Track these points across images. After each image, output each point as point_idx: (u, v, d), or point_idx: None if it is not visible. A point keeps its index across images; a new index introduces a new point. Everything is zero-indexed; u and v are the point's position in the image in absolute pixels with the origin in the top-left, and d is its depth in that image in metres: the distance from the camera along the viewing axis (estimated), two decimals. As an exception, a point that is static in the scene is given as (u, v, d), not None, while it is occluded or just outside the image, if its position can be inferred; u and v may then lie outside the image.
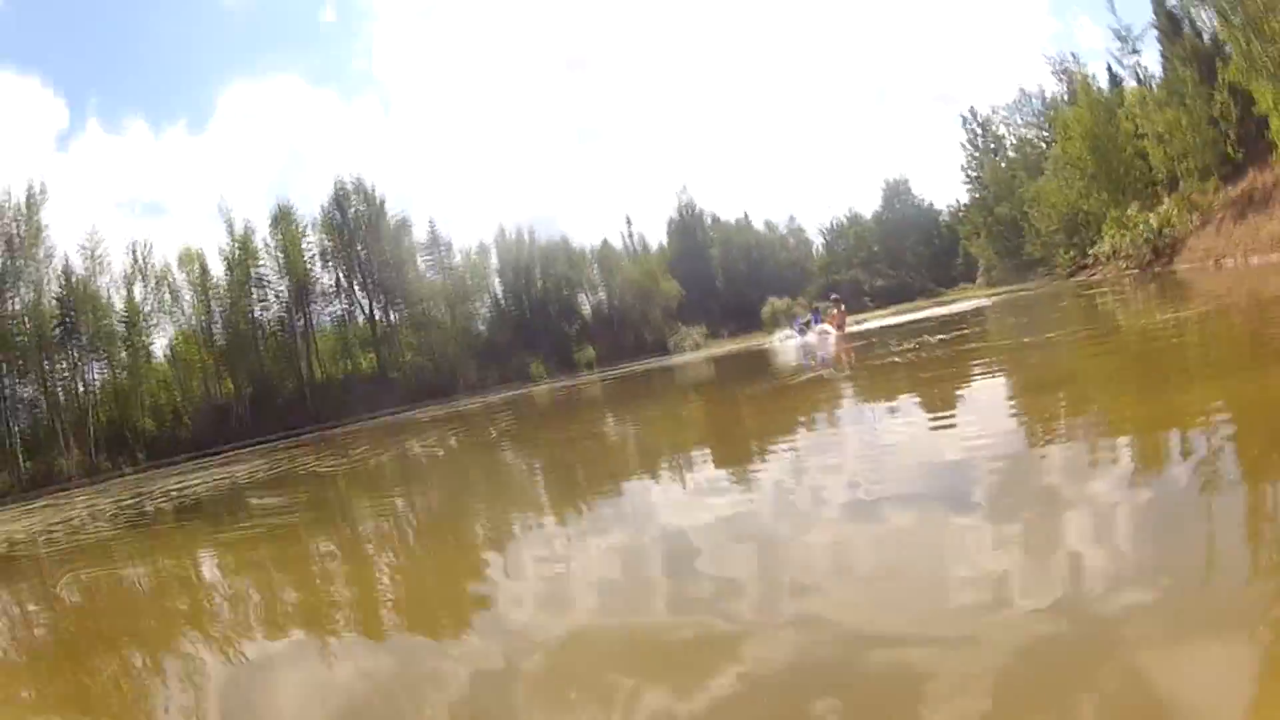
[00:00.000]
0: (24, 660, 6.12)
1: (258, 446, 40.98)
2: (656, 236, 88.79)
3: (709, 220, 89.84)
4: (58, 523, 17.90)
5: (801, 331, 33.34)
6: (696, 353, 55.26)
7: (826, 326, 31.46)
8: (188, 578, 8.51)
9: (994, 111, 71.40)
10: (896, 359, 15.16)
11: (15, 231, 53.75)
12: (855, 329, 32.57)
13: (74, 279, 56.11)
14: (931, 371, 11.69)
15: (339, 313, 71.82)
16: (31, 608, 8.44)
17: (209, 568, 8.85)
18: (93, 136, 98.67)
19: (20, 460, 49.45)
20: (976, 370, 11.01)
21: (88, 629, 6.83)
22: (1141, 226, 36.36)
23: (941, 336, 18.05)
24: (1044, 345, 12.57)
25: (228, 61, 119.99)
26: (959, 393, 9.15)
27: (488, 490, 9.82)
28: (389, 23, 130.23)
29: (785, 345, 32.34)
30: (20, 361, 53.24)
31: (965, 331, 18.96)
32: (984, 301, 36.91)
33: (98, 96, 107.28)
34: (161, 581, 8.51)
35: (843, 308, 33.43)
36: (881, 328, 30.09)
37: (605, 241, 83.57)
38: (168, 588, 8.08)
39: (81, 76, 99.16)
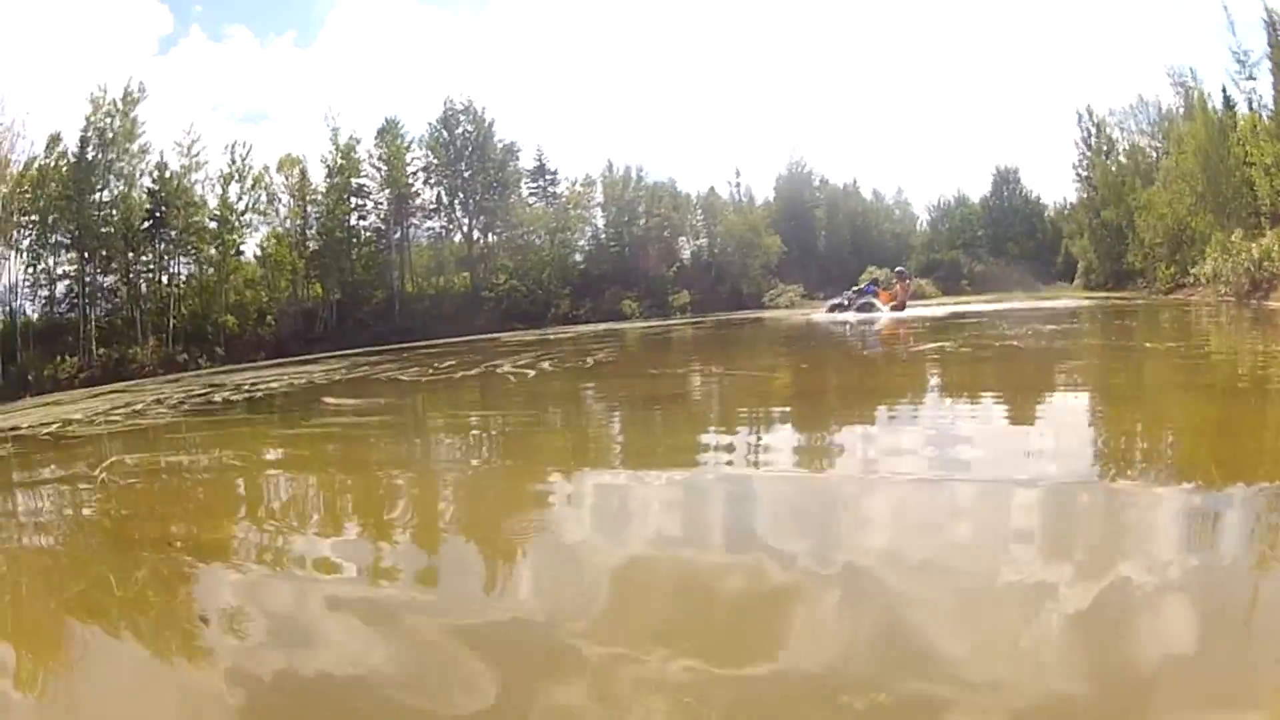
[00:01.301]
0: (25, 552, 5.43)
1: (341, 353, 40.23)
2: (763, 191, 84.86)
3: (817, 181, 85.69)
4: (120, 407, 17.03)
5: (851, 304, 29.02)
6: (790, 310, 52.93)
7: (876, 302, 28.15)
8: (237, 471, 7.28)
9: (1110, 114, 67.78)
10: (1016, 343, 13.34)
11: (109, 125, 53.45)
12: (956, 308, 30.32)
13: (167, 174, 55.64)
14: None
15: (436, 230, 70.74)
16: (58, 493, 7.56)
17: (263, 462, 7.61)
18: (195, 42, 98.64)
19: (94, 347, 49.67)
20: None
21: (110, 520, 6.00)
22: (1243, 255, 33.63)
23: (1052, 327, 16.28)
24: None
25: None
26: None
27: (572, 416, 8.47)
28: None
29: (831, 316, 28.58)
30: (103, 251, 52.92)
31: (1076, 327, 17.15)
32: (1082, 302, 34.03)
33: (202, 4, 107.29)
34: (207, 474, 7.43)
35: (908, 284, 30.29)
36: (992, 311, 27.13)
37: (712, 189, 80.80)
38: (211, 481, 6.90)
39: None
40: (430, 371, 18.12)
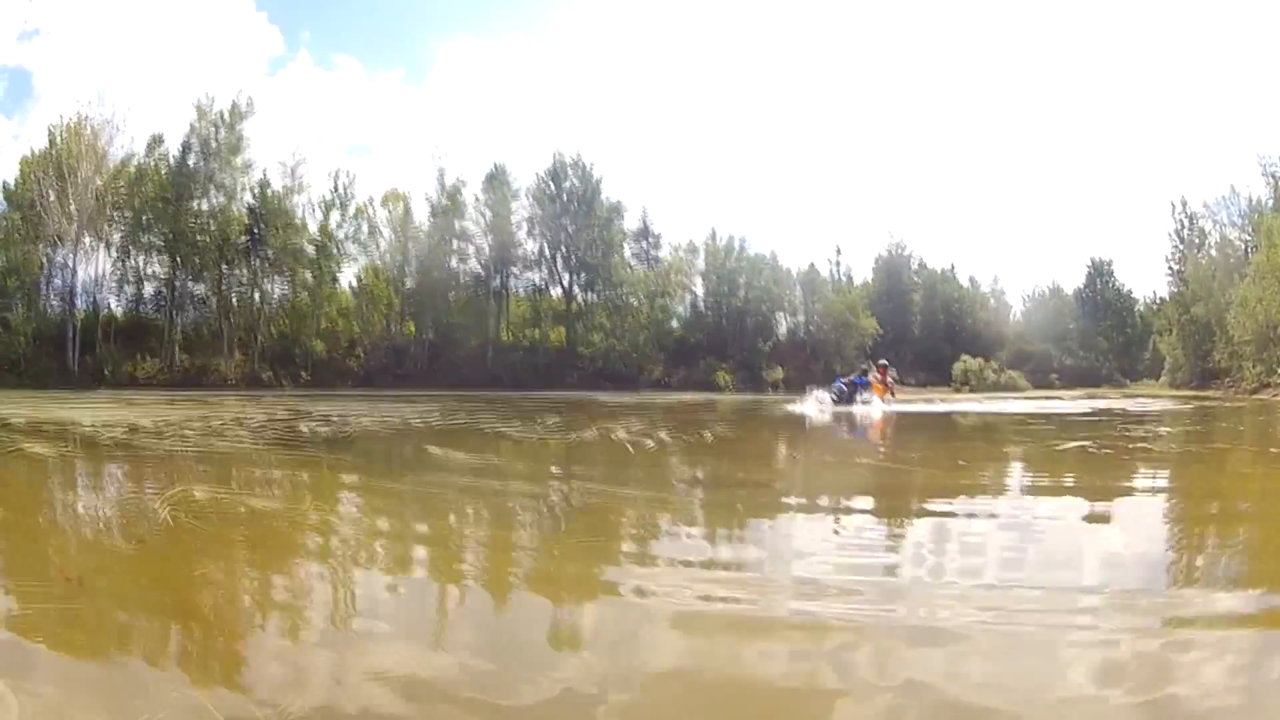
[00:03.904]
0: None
1: (428, 394, 38.97)
2: (861, 271, 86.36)
3: (915, 264, 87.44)
4: (195, 421, 15.36)
5: (842, 396, 26.62)
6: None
7: (874, 396, 26.27)
8: (340, 540, 5.27)
9: (1204, 206, 66.35)
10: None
11: (213, 135, 54.80)
12: (1044, 408, 27.88)
13: (269, 193, 56.99)
14: None
15: (536, 282, 71.24)
16: (105, 526, 5.74)
17: (374, 531, 5.73)
18: (303, 68, 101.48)
19: (176, 352, 50.08)
20: None
21: (167, 582, 4.18)
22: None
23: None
24: None
25: (452, 16, 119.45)
26: None
27: (736, 509, 7.00)
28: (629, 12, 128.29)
29: (821, 411, 25.00)
30: (196, 260, 53.87)
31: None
32: (1170, 405, 30.82)
33: (311, 31, 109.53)
34: (298, 533, 5.42)
35: (891, 377, 27.87)
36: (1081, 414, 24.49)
37: (812, 265, 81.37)
38: (302, 551, 4.88)
39: (297, 11, 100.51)
40: (538, 429, 16.22)
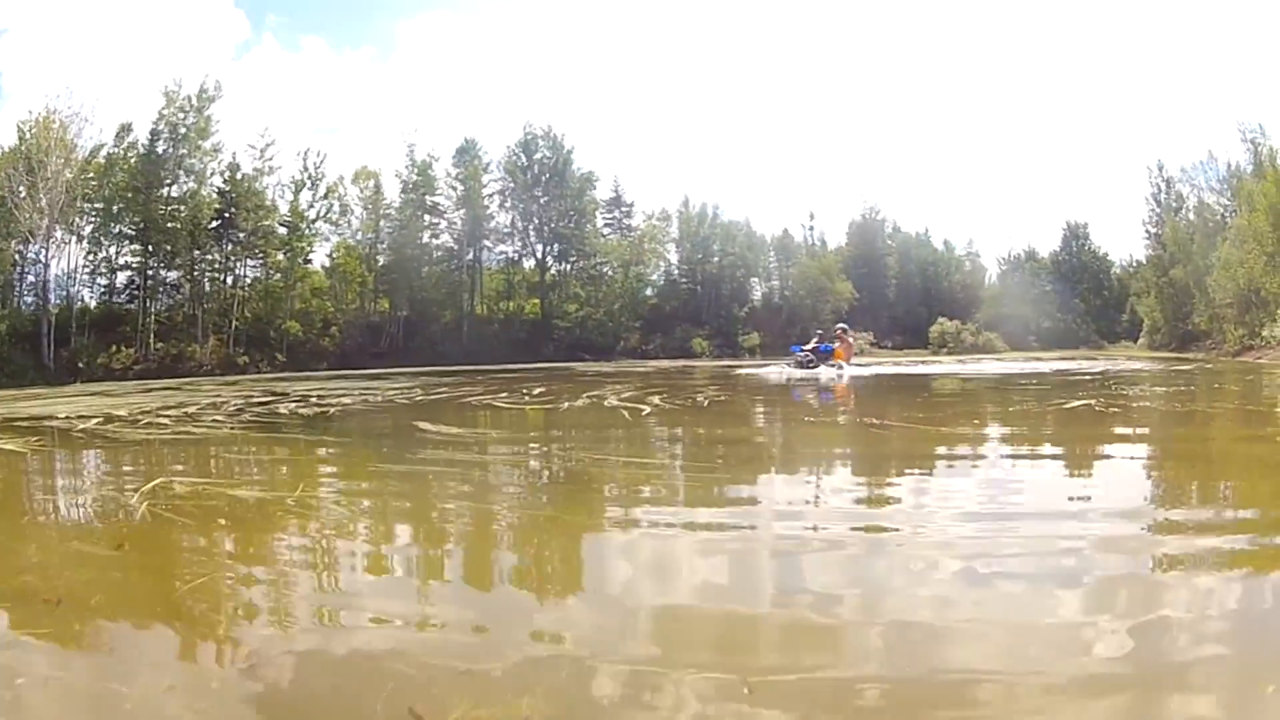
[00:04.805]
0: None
1: (408, 370, 38.49)
2: (836, 236, 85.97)
3: (890, 228, 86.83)
4: (171, 408, 14.95)
5: (807, 363, 26.12)
6: (860, 359, 49.54)
7: (840, 362, 25.88)
8: (336, 525, 4.87)
9: (1181, 170, 66.49)
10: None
11: (182, 120, 53.63)
12: (1028, 369, 27.70)
13: (239, 175, 56.05)
14: None
15: (509, 254, 70.53)
16: (80, 526, 5.50)
17: (368, 512, 5.29)
18: (269, 50, 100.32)
19: (151, 340, 49.51)
20: None
21: (146, 578, 3.98)
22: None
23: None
24: None
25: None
26: None
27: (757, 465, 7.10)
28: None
29: (790, 374, 24.92)
30: (168, 246, 52.85)
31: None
32: (1154, 366, 30.52)
33: (276, 14, 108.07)
34: (289, 519, 5.18)
35: (850, 341, 27.79)
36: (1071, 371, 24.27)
37: (786, 231, 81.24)
38: (297, 543, 4.50)
39: None
40: (526, 399, 15.86)
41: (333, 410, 14.48)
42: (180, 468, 7.60)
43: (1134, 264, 77.98)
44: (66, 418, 13.84)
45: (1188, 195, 66.20)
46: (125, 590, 3.80)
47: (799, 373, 25.12)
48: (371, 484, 6.68)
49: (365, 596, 3.58)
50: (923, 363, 40.46)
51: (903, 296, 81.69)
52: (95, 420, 12.84)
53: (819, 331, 28.65)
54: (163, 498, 5.55)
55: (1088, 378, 20.52)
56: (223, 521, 5.10)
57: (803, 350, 26.96)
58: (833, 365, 25.50)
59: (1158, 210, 68.28)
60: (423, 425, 10.49)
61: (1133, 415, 11.13)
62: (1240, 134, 57.01)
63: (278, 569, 4.00)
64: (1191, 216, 64.68)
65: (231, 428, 11.14)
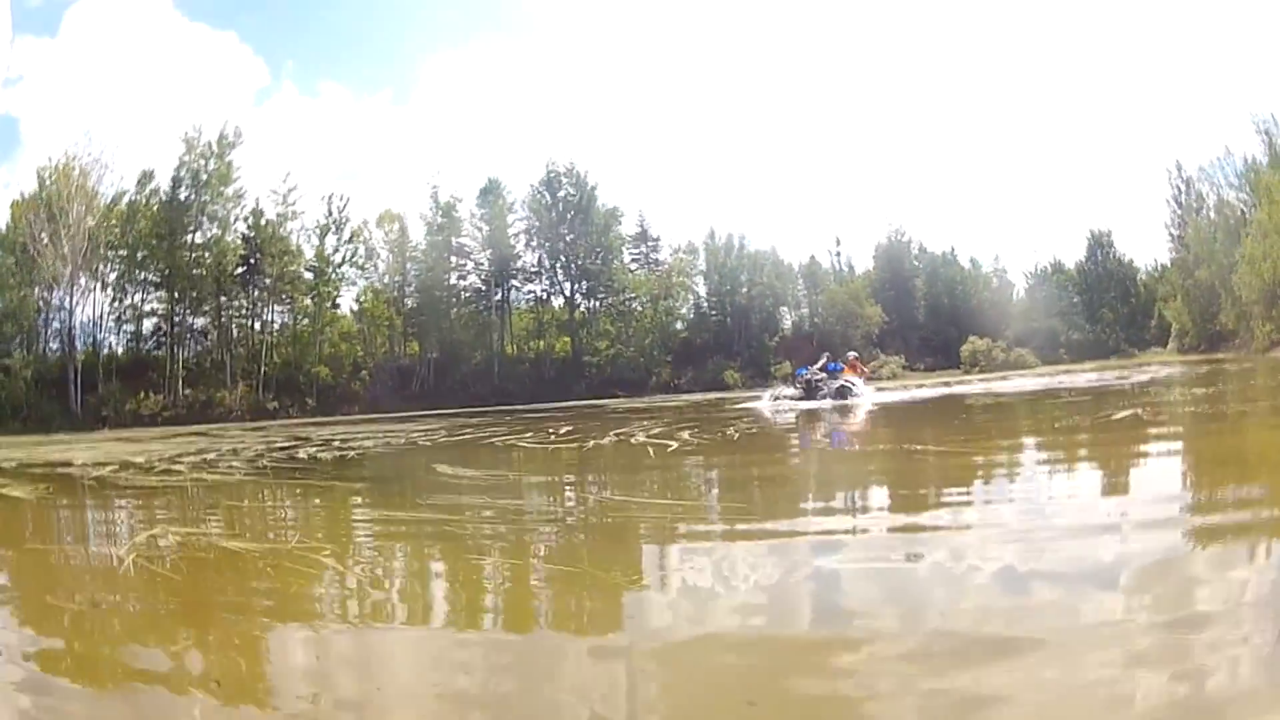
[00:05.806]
0: None
1: (438, 412, 38.40)
2: (863, 261, 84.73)
3: (916, 249, 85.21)
4: (190, 454, 14.71)
5: (810, 389, 24.19)
6: (891, 383, 48.33)
7: (853, 378, 24.57)
8: (326, 580, 4.48)
9: (1200, 170, 65.68)
10: None
11: (203, 166, 54.29)
12: (1064, 383, 26.95)
13: (263, 221, 56.66)
14: None
15: (537, 293, 70.51)
16: (69, 579, 5.13)
17: (366, 560, 4.82)
18: (288, 96, 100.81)
19: (180, 386, 49.77)
20: None
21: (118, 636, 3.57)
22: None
23: None
24: None
25: (436, 31, 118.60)
26: None
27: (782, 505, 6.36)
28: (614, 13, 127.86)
29: (789, 406, 22.83)
30: (194, 293, 53.46)
31: None
32: (1187, 370, 29.81)
33: (294, 60, 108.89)
34: (276, 576, 4.73)
35: (862, 368, 26.86)
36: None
37: (813, 258, 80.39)
38: (282, 594, 4.18)
39: (280, 41, 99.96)
40: (552, 439, 15.42)
41: (351, 454, 14.17)
42: (180, 517, 7.29)
43: (1159, 269, 77.21)
44: (83, 464, 13.69)
45: (1207, 194, 65.85)
46: (90, 649, 3.43)
47: (788, 404, 23.49)
48: (375, 530, 6.29)
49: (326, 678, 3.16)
50: (958, 383, 39.49)
51: (932, 317, 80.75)
52: (111, 467, 12.66)
53: (826, 354, 27.53)
54: (154, 549, 5.22)
55: (1127, 388, 20.13)
56: (211, 575, 4.74)
57: (808, 370, 25.43)
58: (845, 382, 24.21)
59: (1179, 212, 67.89)
60: (440, 468, 10.12)
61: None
62: (1255, 125, 56.49)
63: (252, 635, 3.59)
64: (1212, 215, 64.25)
65: (244, 474, 10.85)
